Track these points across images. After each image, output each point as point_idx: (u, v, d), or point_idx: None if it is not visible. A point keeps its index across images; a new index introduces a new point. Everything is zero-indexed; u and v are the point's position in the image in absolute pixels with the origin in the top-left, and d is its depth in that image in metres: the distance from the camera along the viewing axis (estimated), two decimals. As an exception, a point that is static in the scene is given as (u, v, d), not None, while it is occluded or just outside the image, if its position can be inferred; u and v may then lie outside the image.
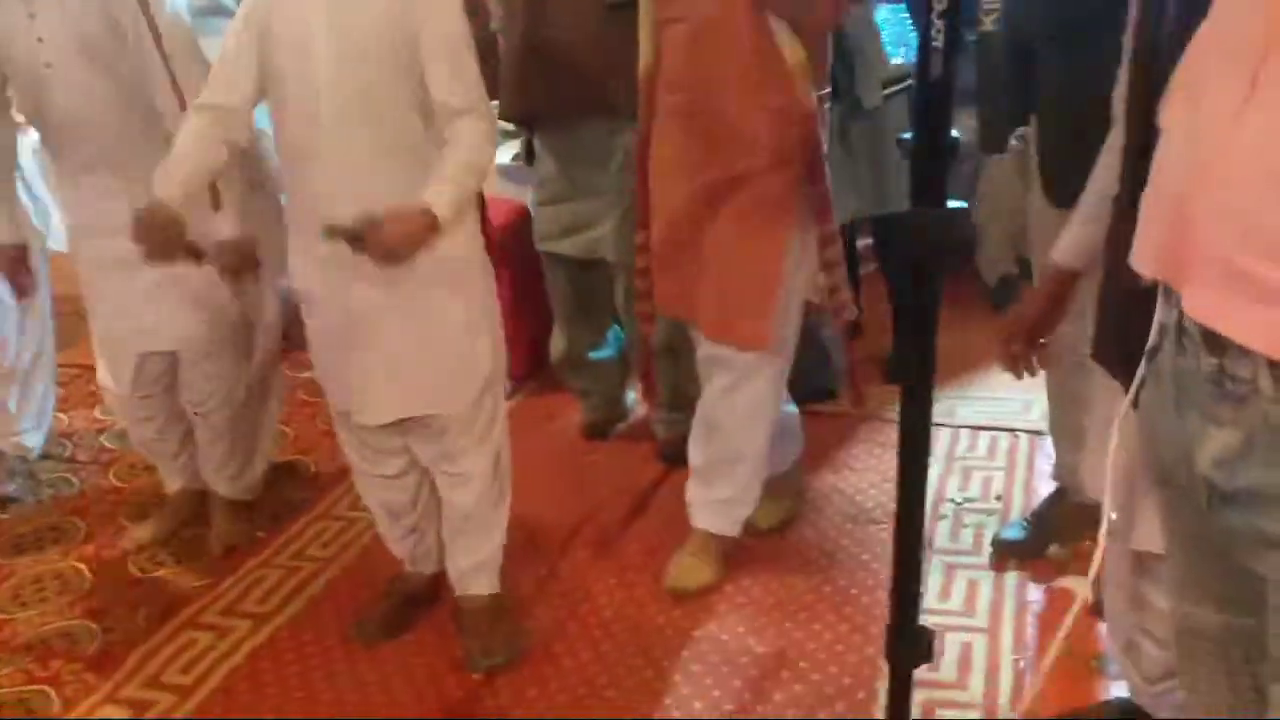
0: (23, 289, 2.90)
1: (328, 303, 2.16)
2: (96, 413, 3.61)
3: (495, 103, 3.10)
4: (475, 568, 2.37)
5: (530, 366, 3.63)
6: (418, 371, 2.17)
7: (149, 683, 2.34)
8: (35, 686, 2.35)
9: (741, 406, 2.47)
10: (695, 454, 2.59)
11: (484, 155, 2.08)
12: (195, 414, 2.77)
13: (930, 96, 1.19)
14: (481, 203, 2.31)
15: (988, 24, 2.40)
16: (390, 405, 2.21)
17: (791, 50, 2.24)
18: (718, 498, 2.58)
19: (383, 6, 1.97)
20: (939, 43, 1.13)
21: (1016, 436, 3.16)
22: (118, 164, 2.47)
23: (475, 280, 2.21)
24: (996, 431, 3.20)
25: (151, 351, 2.67)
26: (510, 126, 3.18)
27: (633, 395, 3.40)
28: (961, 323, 3.97)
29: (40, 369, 3.26)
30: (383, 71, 1.98)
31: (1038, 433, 3.03)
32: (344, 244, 1.93)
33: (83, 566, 2.80)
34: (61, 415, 3.57)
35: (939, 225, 1.19)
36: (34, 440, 3.28)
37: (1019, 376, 1.85)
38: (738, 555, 2.64)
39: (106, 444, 3.47)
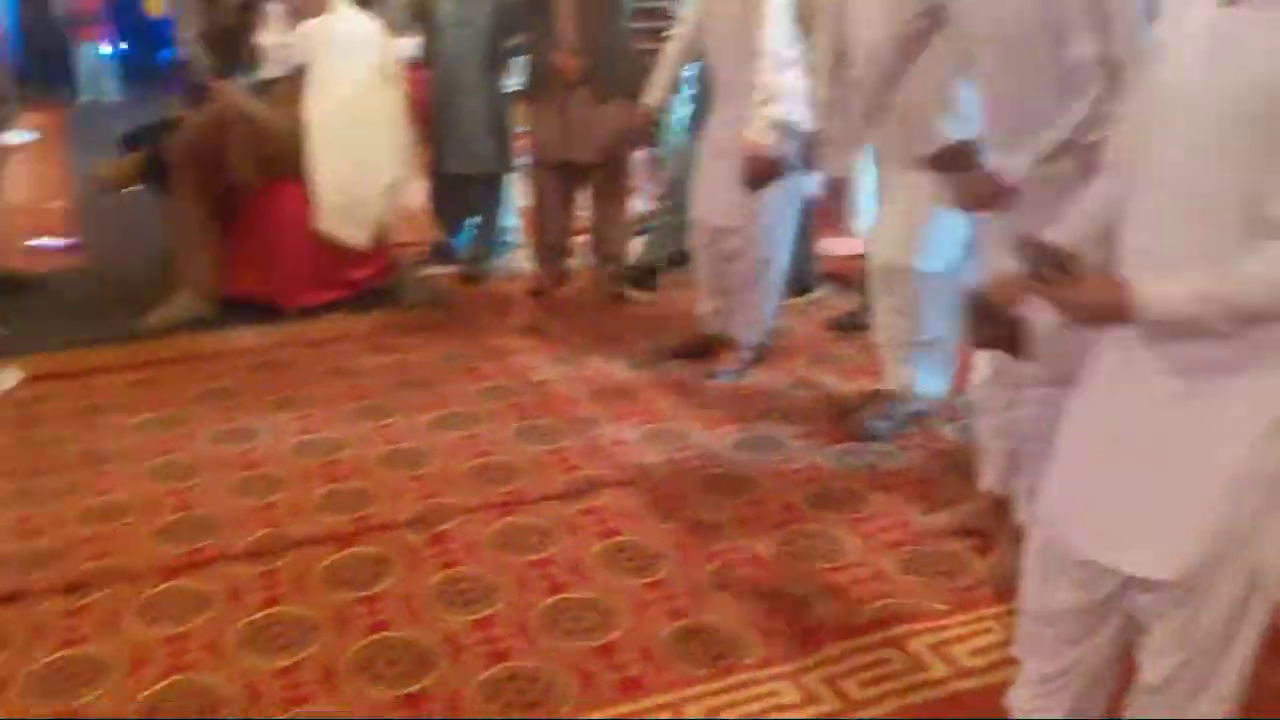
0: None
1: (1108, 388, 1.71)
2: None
3: None
4: None
5: None
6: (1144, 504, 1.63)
7: (827, 679, 2.34)
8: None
9: None
10: None
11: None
12: None
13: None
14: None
15: None
16: (1105, 540, 1.69)
17: None
18: None
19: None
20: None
21: None
22: None
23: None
24: None
25: None
26: None
27: None
28: None
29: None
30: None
31: None
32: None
33: (858, 541, 2.90)
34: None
35: None
36: (922, 402, 3.48)
37: None
38: None
39: (947, 432, 3.52)
